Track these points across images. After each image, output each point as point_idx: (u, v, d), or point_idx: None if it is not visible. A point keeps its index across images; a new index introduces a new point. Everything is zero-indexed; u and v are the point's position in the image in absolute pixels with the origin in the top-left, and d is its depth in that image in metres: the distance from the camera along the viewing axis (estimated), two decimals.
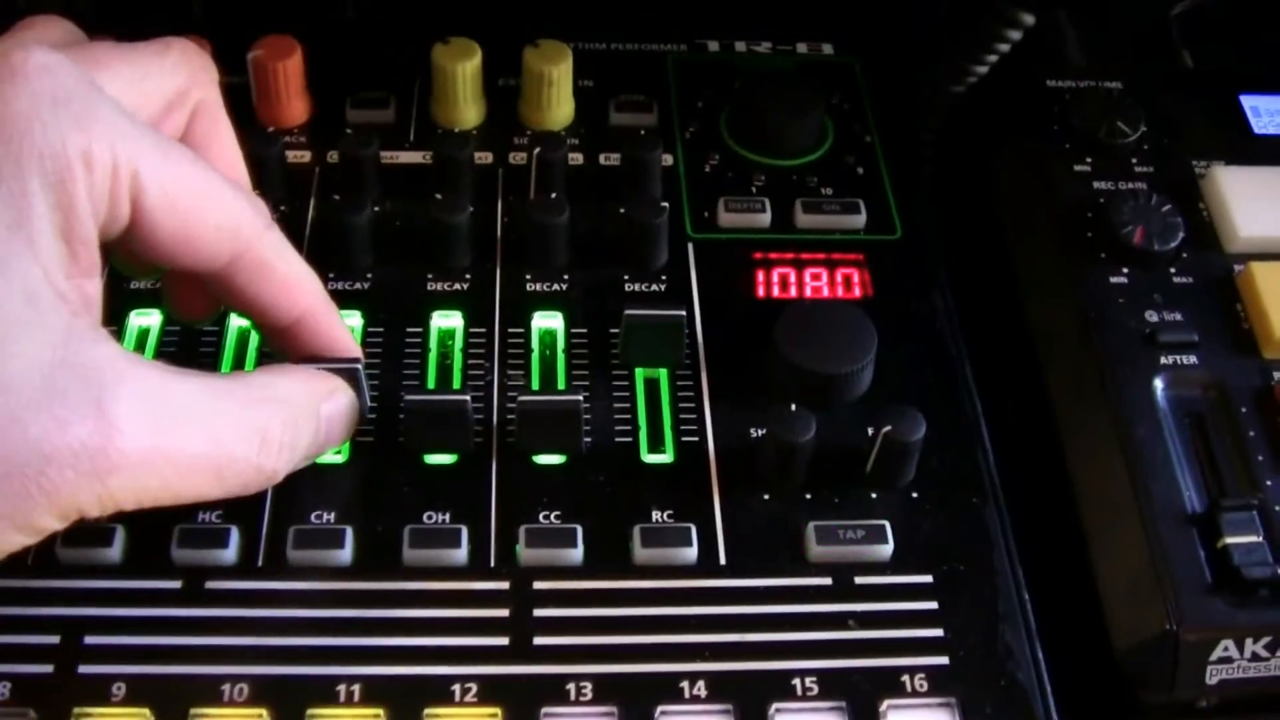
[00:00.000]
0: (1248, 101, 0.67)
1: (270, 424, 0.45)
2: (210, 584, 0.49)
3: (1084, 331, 0.58)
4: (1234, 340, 0.58)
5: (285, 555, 0.50)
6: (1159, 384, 0.56)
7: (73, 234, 0.41)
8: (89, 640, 0.47)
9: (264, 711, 0.46)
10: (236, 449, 0.44)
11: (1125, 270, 0.59)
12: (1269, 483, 0.54)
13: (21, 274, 0.39)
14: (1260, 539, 0.52)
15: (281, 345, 0.51)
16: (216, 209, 0.45)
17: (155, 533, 0.50)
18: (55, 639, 0.47)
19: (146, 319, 0.57)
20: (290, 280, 0.49)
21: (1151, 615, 0.51)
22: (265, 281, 0.48)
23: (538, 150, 0.61)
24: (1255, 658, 0.51)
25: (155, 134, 0.44)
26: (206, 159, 0.46)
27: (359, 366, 0.50)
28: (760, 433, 0.54)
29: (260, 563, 0.50)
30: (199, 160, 0.45)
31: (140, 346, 0.56)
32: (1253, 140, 0.66)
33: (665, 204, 0.59)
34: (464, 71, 0.62)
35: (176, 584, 0.49)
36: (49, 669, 0.47)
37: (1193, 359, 0.57)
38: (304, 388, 0.48)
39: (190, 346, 0.56)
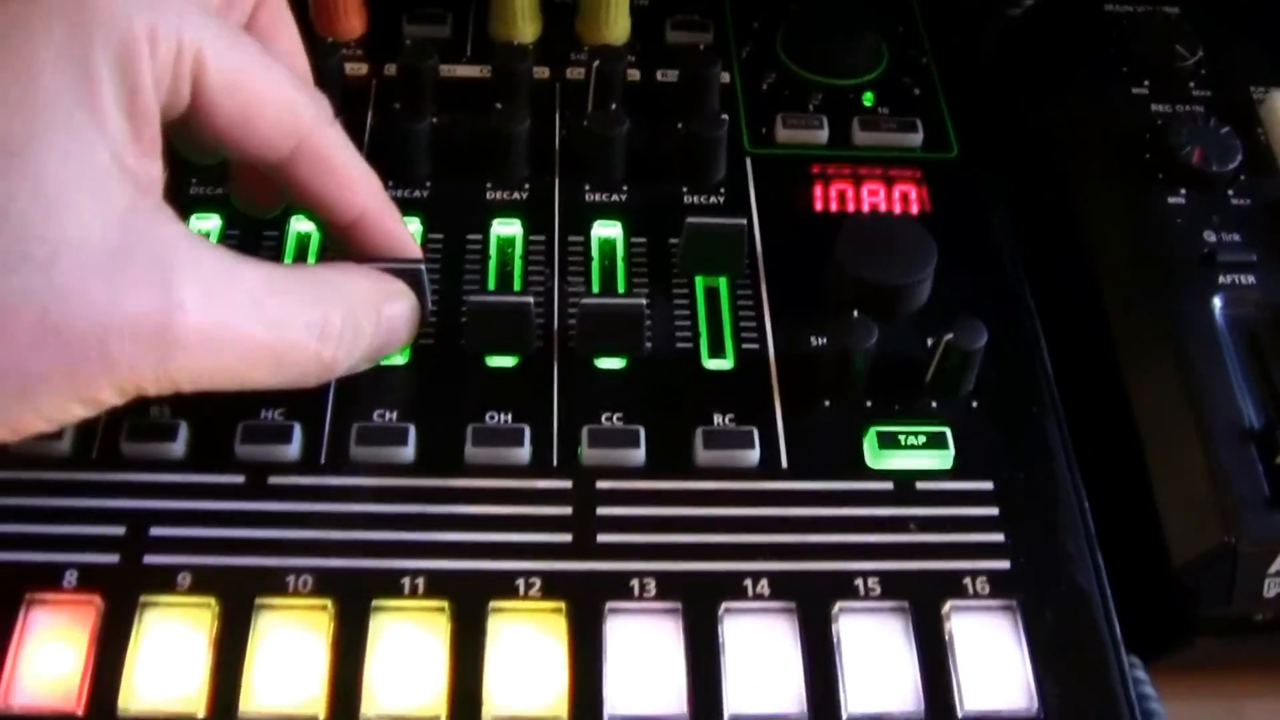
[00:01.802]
0: None
1: (331, 315, 0.45)
2: (274, 479, 0.49)
3: (1142, 252, 0.58)
4: None
5: (348, 452, 0.50)
6: (1217, 303, 0.56)
7: (137, 111, 0.41)
8: (155, 531, 0.48)
9: (328, 601, 0.46)
10: (297, 337, 0.44)
11: (1183, 191, 0.59)
12: None
13: (89, 147, 0.40)
14: None
15: (343, 245, 0.51)
16: (277, 97, 0.46)
17: (219, 428, 0.50)
18: (121, 530, 0.48)
19: (206, 223, 0.57)
20: (351, 177, 0.49)
21: (1209, 529, 0.51)
22: (326, 175, 0.48)
23: (596, 64, 0.61)
24: None
25: (220, 19, 0.44)
26: (270, 50, 0.46)
27: (421, 268, 0.50)
28: (820, 342, 0.54)
29: (323, 459, 0.50)
30: (262, 49, 0.46)
31: None
32: None
33: (725, 117, 0.59)
34: None
35: (240, 478, 0.49)
36: (115, 558, 0.47)
37: (1250, 279, 0.57)
38: (366, 284, 0.48)
39: (250, 251, 0.56)
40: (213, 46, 0.43)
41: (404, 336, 0.50)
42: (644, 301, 0.53)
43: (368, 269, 0.49)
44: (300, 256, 0.56)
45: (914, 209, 0.60)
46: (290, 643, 0.46)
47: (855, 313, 0.52)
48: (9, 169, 0.38)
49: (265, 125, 0.45)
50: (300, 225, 0.57)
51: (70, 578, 0.46)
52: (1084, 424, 0.55)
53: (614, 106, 0.60)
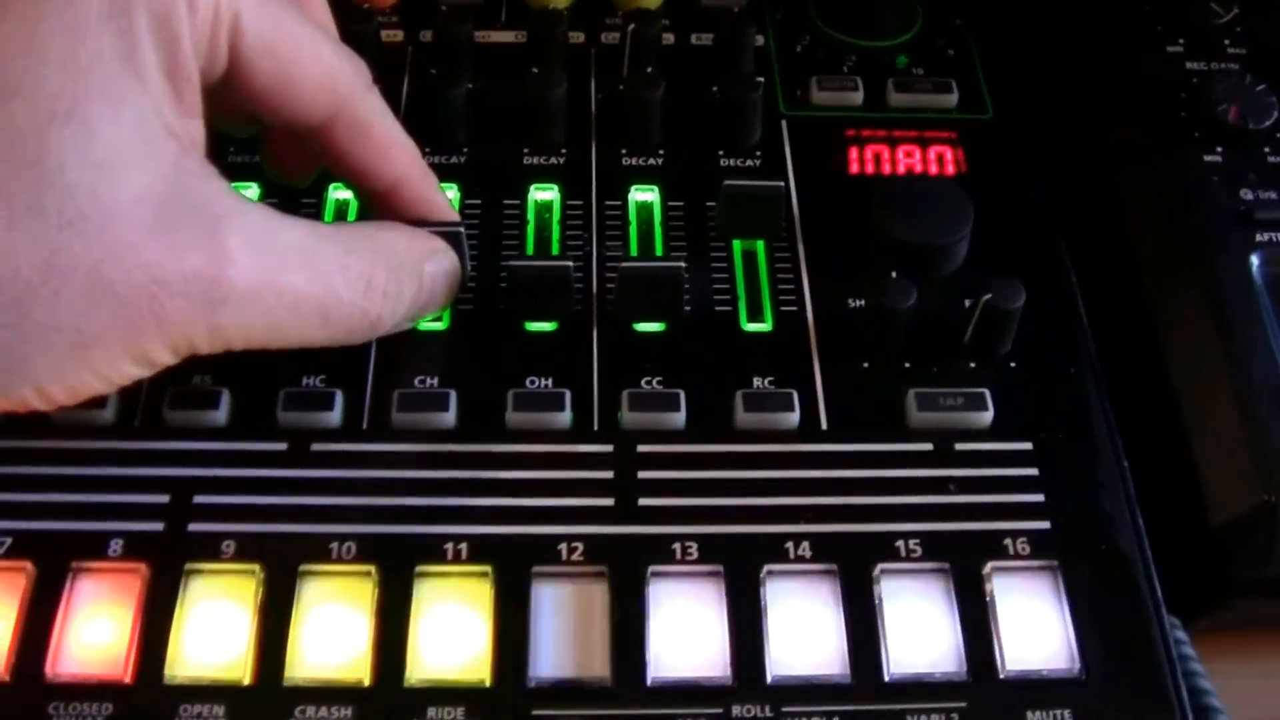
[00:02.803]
0: None
1: (375, 270, 0.46)
2: (316, 446, 0.50)
3: (1178, 210, 0.58)
4: None
5: (390, 418, 0.50)
6: (1255, 261, 0.56)
7: (177, 72, 0.41)
8: (198, 499, 0.48)
9: (372, 568, 0.47)
10: (342, 291, 0.44)
11: (1220, 149, 0.59)
12: None
13: (134, 107, 0.40)
14: None
15: (380, 213, 0.51)
16: (314, 61, 0.46)
17: (260, 396, 0.51)
18: (165, 498, 0.48)
19: (245, 191, 0.57)
20: (389, 143, 0.49)
21: (1248, 488, 0.51)
22: (363, 141, 0.48)
23: (632, 27, 0.60)
24: None
25: None
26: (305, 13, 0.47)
27: (460, 230, 0.51)
28: (859, 304, 0.54)
29: (365, 425, 0.51)
30: (300, 14, 0.46)
31: None
32: None
33: (760, 80, 0.59)
34: None
35: (282, 446, 0.50)
36: (160, 526, 0.47)
37: None
38: (407, 241, 0.48)
39: None
40: (249, 9, 0.43)
41: (445, 295, 0.50)
42: (683, 265, 0.53)
43: (410, 228, 0.49)
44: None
45: (949, 170, 0.60)
46: (335, 609, 0.47)
47: (893, 274, 0.52)
48: (60, 129, 0.38)
49: (303, 89, 0.46)
50: (339, 193, 0.57)
51: (116, 547, 0.47)
52: (1122, 384, 0.55)
53: (649, 70, 0.60)
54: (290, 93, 0.46)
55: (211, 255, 0.40)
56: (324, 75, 0.46)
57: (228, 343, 0.42)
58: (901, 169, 0.60)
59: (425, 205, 0.51)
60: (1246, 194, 0.58)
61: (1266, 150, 0.59)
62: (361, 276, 0.45)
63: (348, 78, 0.47)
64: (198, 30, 0.42)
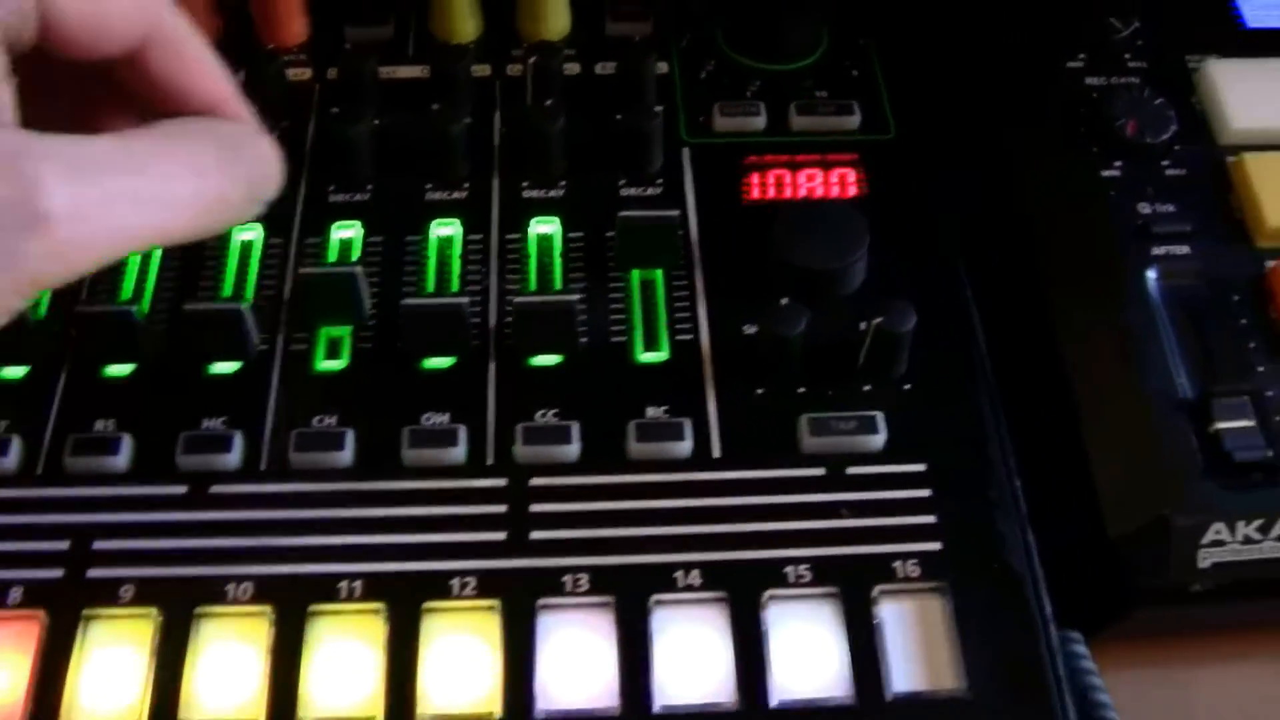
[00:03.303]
0: None
1: (203, 149, 0.45)
2: (215, 488, 0.50)
3: (1078, 225, 0.58)
4: (1226, 230, 0.58)
5: (288, 458, 0.51)
6: (1151, 275, 0.56)
7: None
8: (98, 545, 0.49)
9: (268, 608, 0.47)
10: (176, 175, 0.43)
11: (1118, 164, 0.60)
12: (1261, 369, 0.54)
13: None
14: (1252, 423, 0.52)
15: None
16: None
17: (161, 439, 0.51)
18: (65, 545, 0.49)
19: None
20: (201, 61, 0.49)
21: (1145, 500, 0.52)
22: (177, 60, 0.48)
23: (533, 60, 0.61)
24: (1247, 540, 0.51)
25: None
26: None
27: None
28: (754, 329, 0.54)
29: (264, 466, 0.51)
30: None
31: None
32: (1245, 34, 0.65)
33: (659, 108, 0.59)
34: None
35: (182, 489, 0.50)
36: (59, 573, 0.48)
37: (1185, 249, 0.57)
38: (224, 122, 0.48)
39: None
40: None
41: (272, 173, 0.48)
42: (575, 298, 0.53)
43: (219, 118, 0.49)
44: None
45: (851, 192, 0.60)
46: (230, 650, 0.47)
47: (785, 299, 0.53)
48: None
49: (113, 19, 0.46)
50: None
51: (15, 595, 0.47)
52: (1022, 399, 0.56)
53: (549, 102, 0.60)
54: (102, 25, 0.45)
55: (16, 182, 0.39)
56: (132, 3, 0.46)
57: (72, 263, 0.41)
58: (803, 193, 0.60)
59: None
60: (1144, 208, 0.58)
61: (1165, 164, 0.60)
62: (192, 158, 0.45)
63: (153, 1, 0.47)
64: None
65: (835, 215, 0.56)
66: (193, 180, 0.44)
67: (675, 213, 0.56)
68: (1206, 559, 0.51)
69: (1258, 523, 0.51)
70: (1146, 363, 0.54)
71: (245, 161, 0.47)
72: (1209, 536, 0.51)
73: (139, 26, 0.46)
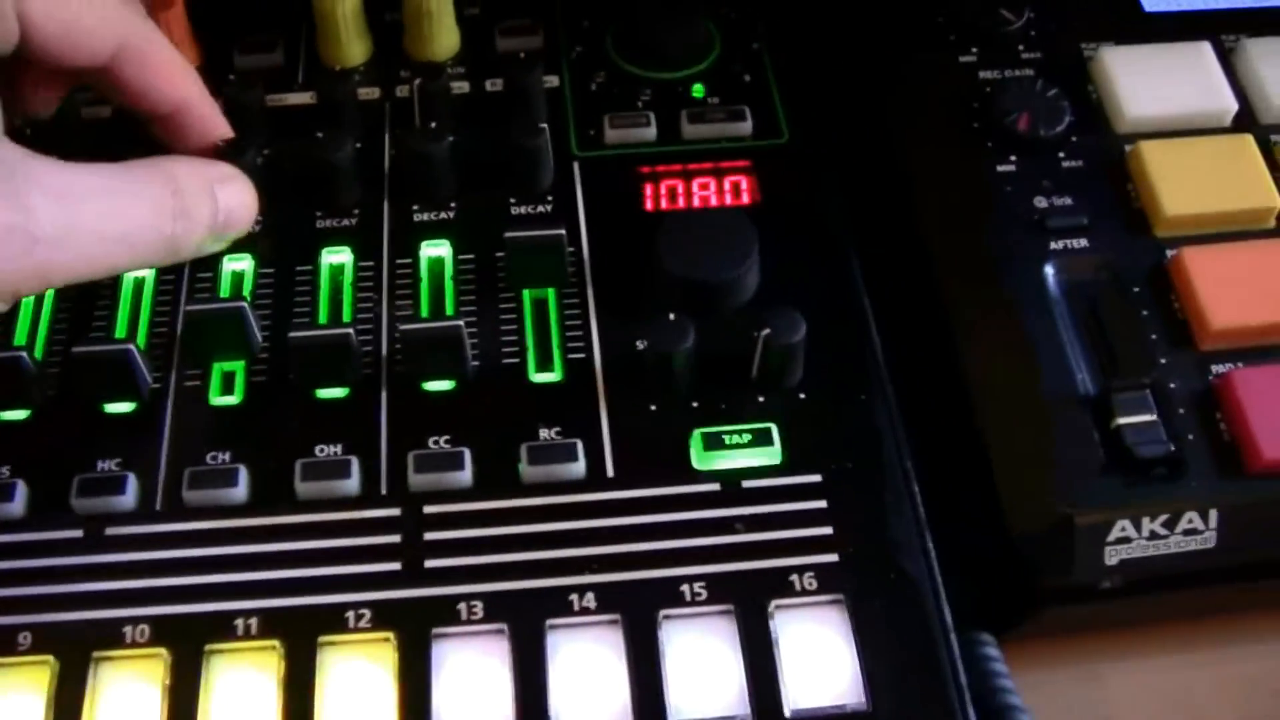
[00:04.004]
0: None
1: (165, 196, 0.50)
2: (111, 530, 0.50)
3: (973, 222, 0.58)
4: (1125, 221, 0.58)
5: (182, 497, 0.50)
6: (1049, 270, 0.56)
7: None
8: None
9: (164, 650, 0.47)
10: (136, 216, 0.49)
11: (1013, 158, 0.59)
12: (1163, 361, 0.54)
13: None
14: (1154, 418, 0.52)
15: (168, 138, 0.56)
16: (93, 6, 0.51)
17: (56, 483, 0.51)
18: None
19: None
20: (170, 67, 0.55)
21: (1046, 500, 0.52)
22: (146, 67, 0.54)
23: (418, 82, 0.60)
24: (1154, 536, 0.51)
25: None
26: None
27: (235, 138, 0.56)
28: (644, 345, 0.54)
29: (159, 506, 0.51)
30: None
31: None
32: (1143, 19, 0.65)
33: (544, 125, 0.58)
34: (343, 10, 0.62)
35: (78, 533, 0.50)
36: None
37: (1083, 242, 0.57)
38: (193, 166, 0.52)
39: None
40: None
41: (244, 214, 0.54)
42: (461, 323, 0.52)
43: (198, 158, 0.54)
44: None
45: (745, 200, 0.59)
46: (129, 693, 0.47)
47: (672, 314, 0.52)
48: None
49: (88, 33, 0.52)
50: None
51: None
52: (920, 400, 0.55)
53: (434, 124, 0.60)
54: (77, 39, 0.51)
55: (15, 207, 0.44)
56: (104, 17, 0.52)
57: (47, 280, 0.46)
58: (697, 201, 0.59)
59: (208, 126, 0.56)
60: (1041, 202, 0.58)
61: (1060, 155, 0.59)
62: (153, 202, 0.49)
63: (124, 15, 0.53)
64: None
65: (723, 224, 0.55)
66: (155, 221, 0.50)
67: (562, 230, 0.55)
68: (1113, 556, 0.51)
69: (1163, 518, 0.51)
70: (1046, 359, 0.54)
71: (209, 204, 0.52)
72: (1114, 534, 0.51)
73: (112, 39, 0.52)
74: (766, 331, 0.51)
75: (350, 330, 0.52)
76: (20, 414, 0.53)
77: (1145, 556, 0.51)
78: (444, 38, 0.64)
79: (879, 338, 0.56)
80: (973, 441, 0.54)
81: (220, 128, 0.56)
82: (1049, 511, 0.51)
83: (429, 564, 0.49)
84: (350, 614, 0.48)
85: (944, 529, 0.51)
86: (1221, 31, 0.64)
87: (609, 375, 0.54)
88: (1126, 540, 0.51)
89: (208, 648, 0.47)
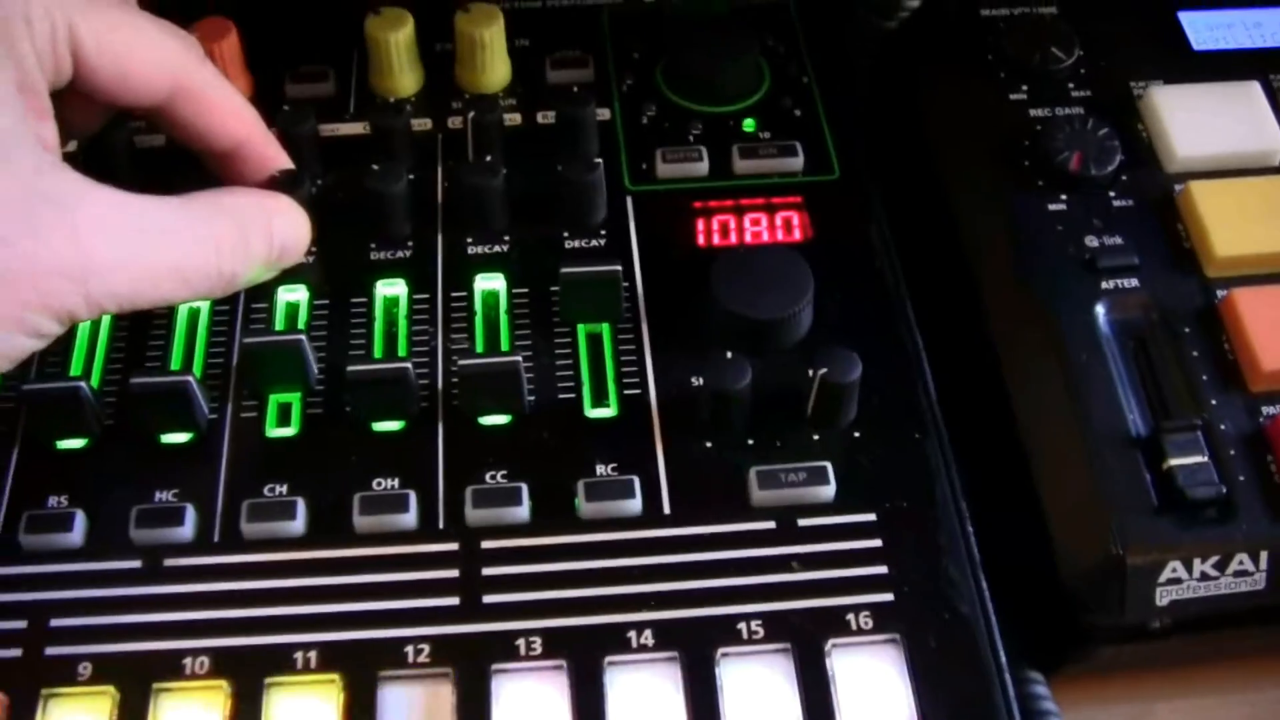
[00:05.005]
0: (1186, 18, 0.67)
1: (222, 231, 0.51)
2: (169, 561, 0.50)
3: (1023, 261, 0.58)
4: (1175, 261, 0.58)
5: (240, 529, 0.51)
6: (1100, 309, 0.56)
7: (26, 85, 0.47)
8: (55, 623, 0.49)
9: (224, 682, 0.47)
10: (193, 253, 0.50)
11: (1063, 197, 0.60)
12: (1214, 402, 0.54)
13: None
14: (1205, 459, 0.52)
15: (226, 174, 0.57)
16: (148, 48, 0.52)
17: (115, 514, 0.51)
18: (22, 624, 0.49)
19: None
20: (226, 109, 0.56)
21: (1097, 540, 0.52)
22: (201, 111, 0.55)
23: (472, 114, 0.61)
24: (1204, 577, 0.51)
25: None
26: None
27: (294, 169, 0.57)
28: (700, 382, 0.54)
29: (216, 538, 0.51)
30: (130, 7, 0.53)
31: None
32: (1192, 57, 0.65)
33: (599, 160, 0.59)
34: (397, 41, 0.63)
35: (137, 563, 0.50)
36: (18, 653, 0.48)
37: (1134, 282, 0.57)
38: (252, 201, 0.54)
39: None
40: (82, 18, 0.49)
41: (297, 247, 0.55)
42: (520, 359, 0.53)
43: (254, 190, 0.55)
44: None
45: (797, 235, 0.60)
46: None
47: (729, 352, 0.53)
48: None
49: (142, 76, 0.52)
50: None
51: None
52: (971, 439, 0.56)
53: (488, 158, 0.60)
54: (131, 82, 0.52)
55: (74, 237, 0.45)
56: (159, 60, 0.52)
57: (102, 308, 0.47)
58: (749, 237, 0.60)
59: (266, 161, 0.57)
60: (1091, 241, 0.58)
61: (1111, 195, 0.60)
62: (210, 237, 0.50)
63: (180, 57, 0.53)
64: (39, 45, 0.47)
65: (778, 262, 0.56)
66: (211, 258, 0.50)
67: (618, 266, 0.55)
68: (1164, 597, 0.51)
69: (1214, 559, 0.51)
70: (1096, 399, 0.54)
71: (264, 240, 0.53)
72: (1165, 574, 0.51)
73: (167, 81, 0.53)
74: (824, 371, 0.51)
75: (408, 365, 0.53)
76: (78, 443, 0.53)
77: (1195, 597, 0.51)
78: (496, 69, 0.64)
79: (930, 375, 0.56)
80: (1023, 480, 0.54)
81: (278, 161, 0.57)
82: (1101, 551, 0.51)
83: (487, 599, 0.49)
84: (409, 648, 0.48)
85: (993, 567, 0.51)
86: (1270, 71, 0.64)
87: (664, 411, 0.54)
88: (1177, 581, 0.51)
89: (268, 680, 0.48)
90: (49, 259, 0.45)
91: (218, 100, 0.55)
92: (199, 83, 0.54)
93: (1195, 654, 0.57)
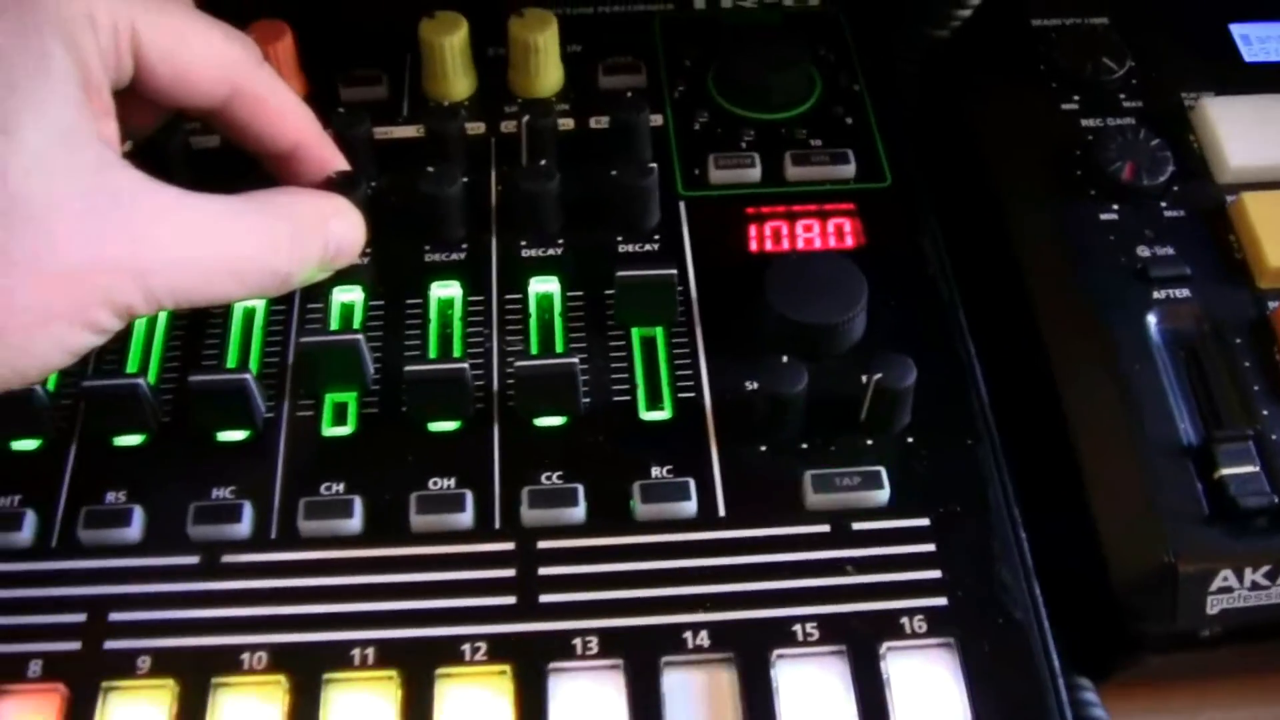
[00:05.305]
0: (1238, 30, 0.67)
1: (279, 232, 0.51)
2: (226, 557, 0.51)
3: (1075, 270, 0.58)
4: (1227, 272, 0.58)
5: (297, 526, 0.51)
6: (1152, 319, 0.57)
7: (90, 83, 0.47)
8: (114, 617, 0.49)
9: (283, 678, 0.48)
10: (249, 253, 0.50)
11: (1115, 206, 0.60)
12: (1265, 412, 0.55)
13: (56, 119, 0.46)
14: (1256, 469, 0.53)
15: (283, 176, 0.57)
16: (208, 51, 0.53)
17: (172, 510, 0.52)
18: (82, 617, 0.49)
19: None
20: (284, 110, 0.56)
21: (1149, 548, 0.52)
22: (260, 113, 0.55)
23: (526, 118, 0.62)
24: (1255, 586, 0.51)
25: None
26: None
27: (353, 173, 0.57)
28: (755, 386, 0.54)
29: (274, 535, 0.52)
30: (190, 10, 0.54)
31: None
32: (1244, 69, 0.66)
33: (654, 165, 0.59)
34: (451, 45, 0.63)
35: (195, 559, 0.51)
36: (77, 646, 0.49)
37: (1185, 292, 0.57)
38: (309, 203, 0.54)
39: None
40: (143, 18, 0.49)
41: (350, 251, 0.56)
42: (577, 361, 0.53)
43: (312, 191, 0.55)
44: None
45: (849, 242, 0.60)
46: (248, 719, 0.48)
47: (785, 356, 0.53)
48: (2, 146, 0.44)
49: (202, 79, 0.53)
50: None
51: (35, 668, 0.48)
52: (1022, 446, 0.56)
53: (543, 161, 0.61)
54: (190, 84, 0.52)
55: (136, 234, 0.46)
56: (218, 63, 0.53)
57: (160, 304, 0.48)
58: (801, 243, 0.60)
59: (323, 163, 0.58)
60: (1143, 250, 0.58)
61: (1163, 205, 0.60)
62: (267, 238, 0.51)
63: (239, 61, 0.54)
64: (102, 45, 0.48)
65: (831, 268, 0.56)
66: (267, 257, 0.51)
67: (674, 270, 0.56)
68: (1214, 605, 0.51)
69: (1265, 568, 0.51)
70: (1148, 408, 0.54)
71: (320, 241, 0.53)
72: (1216, 583, 0.51)
73: (225, 85, 0.54)
74: (879, 375, 0.52)
75: (465, 366, 0.53)
76: (136, 440, 0.54)
77: (1246, 606, 0.52)
78: (550, 74, 0.65)
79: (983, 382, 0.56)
80: (1075, 488, 0.54)
81: (335, 162, 0.57)
82: (1153, 559, 0.51)
83: (544, 599, 0.50)
84: (466, 646, 0.48)
85: (1042, 574, 0.52)
86: None
87: (718, 415, 0.54)
88: (1228, 590, 0.51)
89: (326, 676, 0.48)
90: (110, 254, 0.45)
91: (275, 102, 0.55)
92: (257, 85, 0.54)
93: (1244, 664, 0.57)
